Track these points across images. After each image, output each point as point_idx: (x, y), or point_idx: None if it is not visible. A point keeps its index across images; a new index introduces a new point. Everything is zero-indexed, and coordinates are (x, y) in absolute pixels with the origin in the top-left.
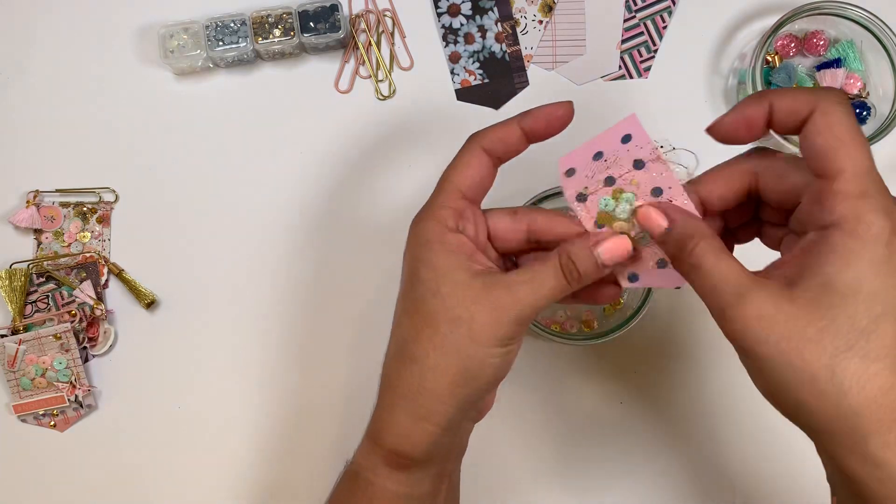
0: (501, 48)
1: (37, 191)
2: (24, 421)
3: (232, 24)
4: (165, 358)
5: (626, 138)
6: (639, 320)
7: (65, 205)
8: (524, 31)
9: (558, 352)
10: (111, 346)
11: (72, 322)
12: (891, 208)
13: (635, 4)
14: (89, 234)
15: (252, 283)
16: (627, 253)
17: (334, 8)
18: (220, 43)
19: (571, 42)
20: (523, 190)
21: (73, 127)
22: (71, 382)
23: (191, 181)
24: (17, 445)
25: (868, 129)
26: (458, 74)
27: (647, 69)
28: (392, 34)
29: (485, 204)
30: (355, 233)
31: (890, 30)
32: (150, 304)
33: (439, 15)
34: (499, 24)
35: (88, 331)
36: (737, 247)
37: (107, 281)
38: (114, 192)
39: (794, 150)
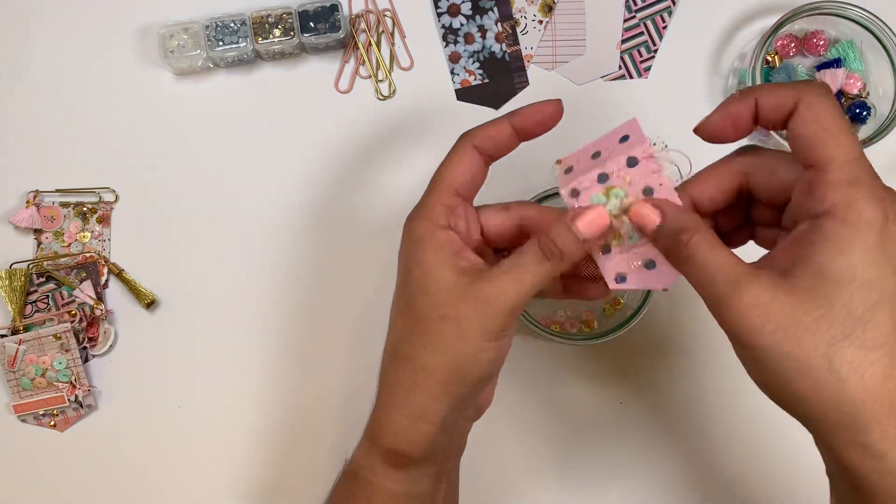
0: (501, 48)
1: (37, 191)
2: (24, 421)
3: (232, 24)
4: (165, 358)
5: (624, 139)
6: (639, 320)
7: (65, 205)
8: (524, 31)
9: (558, 352)
10: (111, 346)
11: (72, 322)
12: (882, 195)
13: (635, 4)
14: (89, 234)
15: (252, 283)
16: (605, 224)
17: (334, 8)
18: (220, 43)
19: (571, 42)
20: (522, 190)
21: (73, 127)
22: (71, 382)
23: (191, 181)
24: (17, 445)
25: (868, 129)
26: (458, 74)
27: (647, 69)
28: (392, 34)
29: (484, 203)
30: (355, 232)
31: (890, 30)
32: (150, 304)
33: (439, 15)
34: (499, 24)
35: (88, 331)
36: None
37: (107, 281)
38: (114, 192)
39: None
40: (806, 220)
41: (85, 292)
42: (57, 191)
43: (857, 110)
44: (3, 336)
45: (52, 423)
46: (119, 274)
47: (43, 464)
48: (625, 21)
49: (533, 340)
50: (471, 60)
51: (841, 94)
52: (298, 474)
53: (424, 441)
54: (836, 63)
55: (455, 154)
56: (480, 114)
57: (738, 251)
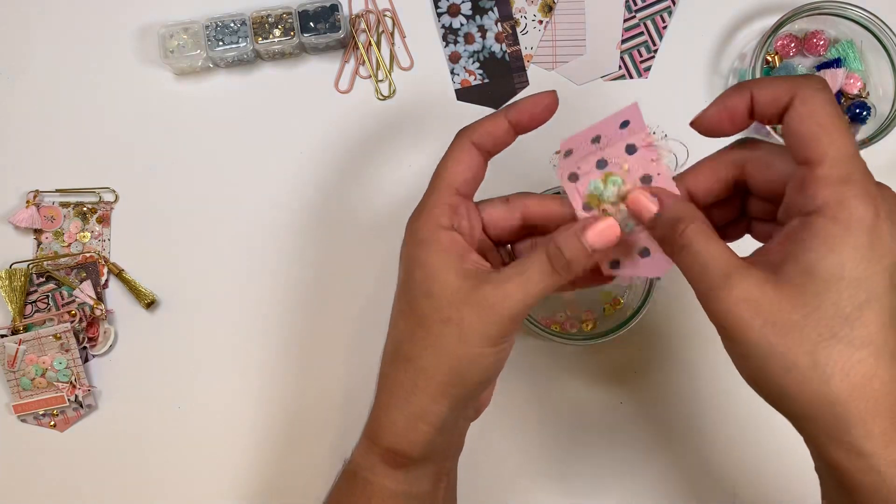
0: (501, 48)
1: (37, 191)
2: (24, 421)
3: (232, 24)
4: (165, 358)
5: (625, 124)
6: (639, 320)
7: (65, 205)
8: (524, 31)
9: (558, 352)
10: (111, 346)
11: (72, 322)
12: (874, 193)
13: (635, 4)
14: (89, 234)
15: (252, 282)
16: (616, 236)
17: (334, 8)
18: (220, 43)
19: (571, 42)
20: (523, 186)
21: (73, 127)
22: (71, 382)
23: (191, 181)
24: (17, 445)
25: (868, 129)
26: (458, 74)
27: (647, 69)
28: (392, 34)
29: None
30: (355, 232)
31: (890, 30)
32: (150, 304)
33: (439, 15)
34: (499, 24)
35: (88, 331)
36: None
37: (107, 281)
38: (114, 192)
39: None
40: (797, 216)
41: (85, 292)
42: (57, 191)
43: (857, 110)
44: (3, 336)
45: (52, 423)
46: (119, 274)
47: (43, 464)
48: (625, 21)
49: (533, 340)
50: (471, 60)
51: (841, 94)
52: (298, 474)
53: (424, 441)
54: (836, 63)
55: (454, 152)
56: (480, 114)
57: (733, 245)
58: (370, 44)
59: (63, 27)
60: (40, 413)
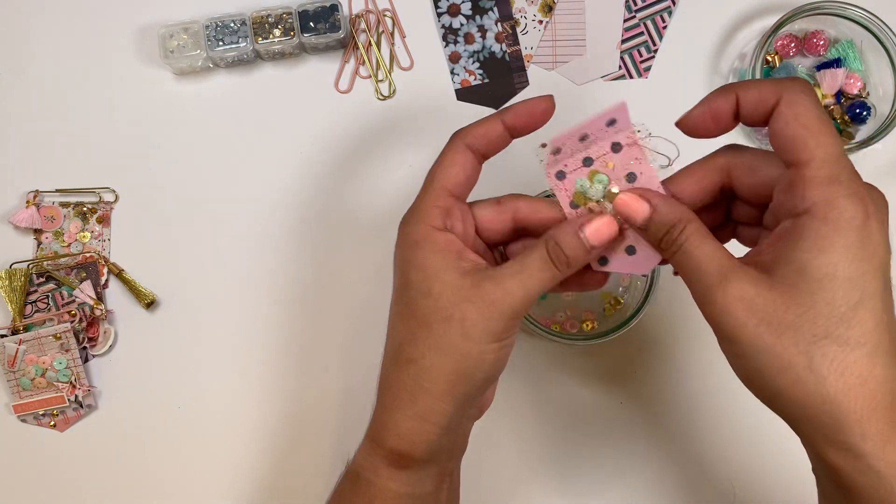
0: (501, 48)
1: (37, 191)
2: (24, 421)
3: (232, 24)
4: (165, 358)
5: (612, 123)
6: (639, 320)
7: (65, 205)
8: (524, 31)
9: (558, 352)
10: (111, 346)
11: (72, 322)
12: (862, 193)
13: (635, 4)
14: (89, 234)
15: (252, 283)
16: (613, 233)
17: (334, 8)
18: (220, 43)
19: (571, 42)
20: (517, 187)
21: (73, 127)
22: (71, 382)
23: (191, 181)
24: (17, 445)
25: (868, 129)
26: (458, 74)
27: (647, 69)
28: (392, 34)
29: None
30: (355, 232)
31: (890, 30)
32: (150, 304)
33: (439, 15)
34: (499, 24)
35: (88, 331)
36: None
37: (107, 281)
38: (114, 192)
39: None
40: (787, 218)
41: (85, 292)
42: (57, 191)
43: (857, 110)
44: (3, 336)
45: (52, 423)
46: (119, 274)
47: (43, 464)
48: (625, 21)
49: (533, 340)
50: (471, 60)
51: (841, 94)
52: (298, 474)
53: (428, 442)
54: (836, 63)
55: (447, 154)
56: (481, 114)
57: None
58: (370, 44)
59: (63, 27)
60: (40, 413)
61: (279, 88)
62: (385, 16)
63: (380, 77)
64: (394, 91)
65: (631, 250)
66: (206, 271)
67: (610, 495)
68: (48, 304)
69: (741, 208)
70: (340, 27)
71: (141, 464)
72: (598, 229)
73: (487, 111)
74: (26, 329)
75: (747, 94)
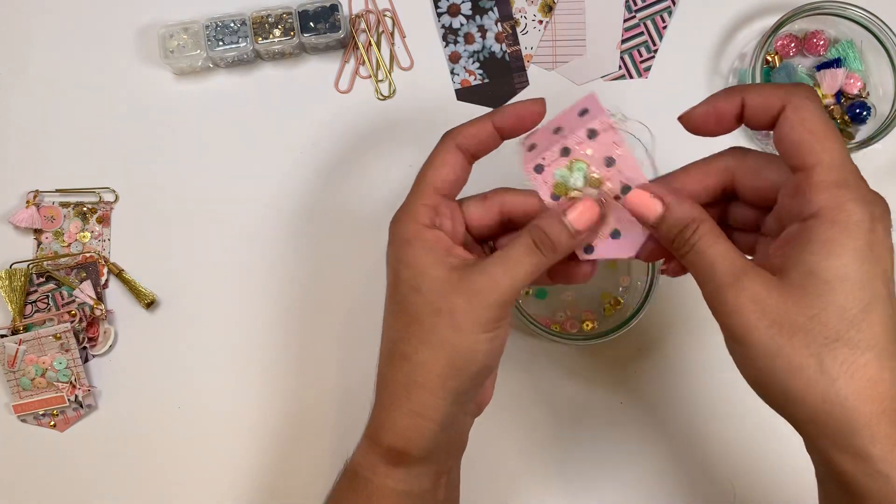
0: (501, 48)
1: (37, 191)
2: (24, 421)
3: (232, 24)
4: (165, 358)
5: (584, 112)
6: (639, 320)
7: (65, 205)
8: (524, 31)
9: (558, 352)
10: (111, 346)
11: (72, 322)
12: (869, 197)
13: (635, 4)
14: (89, 234)
15: (252, 282)
16: (596, 216)
17: (334, 8)
18: (220, 43)
19: (571, 42)
20: (507, 185)
21: (73, 127)
22: (71, 382)
23: (191, 181)
24: (17, 445)
25: (868, 129)
26: (458, 74)
27: (647, 69)
28: (392, 34)
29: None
30: (355, 233)
31: (890, 30)
32: (150, 304)
33: (439, 15)
34: (499, 24)
35: (88, 331)
36: None
37: (107, 281)
38: (114, 192)
39: None
40: (795, 221)
41: (85, 292)
42: (57, 191)
43: (857, 110)
44: (3, 336)
45: (52, 423)
46: (119, 274)
47: (43, 464)
48: (625, 21)
49: (533, 340)
50: (471, 60)
51: (841, 94)
52: (298, 474)
53: (425, 438)
54: (836, 63)
55: (437, 154)
56: (480, 114)
57: None
58: (370, 44)
59: (63, 27)
60: (40, 413)
61: (279, 88)
62: (385, 16)
63: (380, 77)
64: (394, 91)
65: (616, 234)
66: (205, 271)
67: (610, 495)
68: (48, 304)
69: (738, 214)
70: (340, 27)
71: (141, 464)
72: (582, 213)
73: (487, 111)
74: (26, 329)
75: (753, 98)
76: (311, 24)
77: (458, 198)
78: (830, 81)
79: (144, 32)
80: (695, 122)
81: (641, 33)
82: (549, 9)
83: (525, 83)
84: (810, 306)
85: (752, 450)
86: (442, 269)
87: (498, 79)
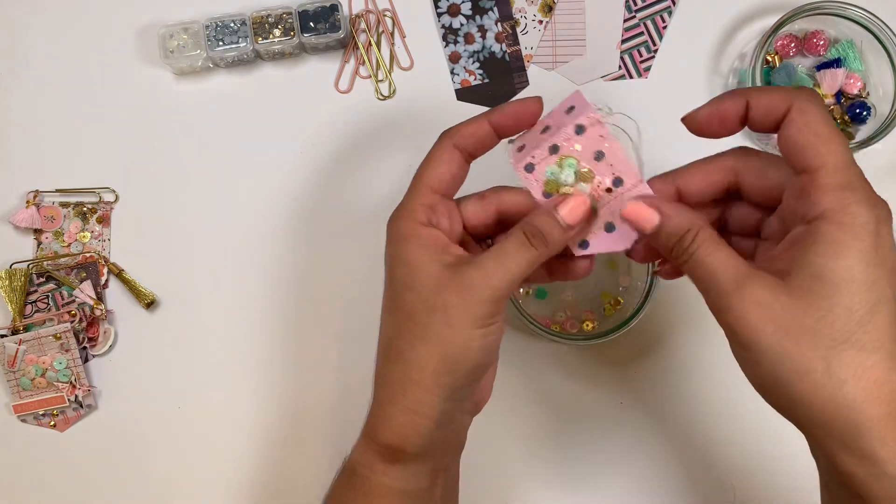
0: (501, 48)
1: (37, 191)
2: (24, 421)
3: (232, 24)
4: (165, 358)
5: (570, 109)
6: (639, 320)
7: (65, 205)
8: (524, 31)
9: (558, 352)
10: (111, 346)
11: (72, 322)
12: (874, 199)
13: (635, 4)
14: (89, 234)
15: (252, 282)
16: (587, 210)
17: (334, 8)
18: (220, 43)
19: (571, 42)
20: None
21: (73, 127)
22: (71, 382)
23: (191, 181)
24: (17, 445)
25: (868, 129)
26: (458, 74)
27: (647, 69)
28: (392, 34)
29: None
30: (355, 233)
31: (890, 30)
32: (150, 304)
33: (439, 15)
34: (499, 24)
35: (88, 331)
36: None
37: (107, 281)
38: (114, 192)
39: None
40: (799, 224)
41: (85, 292)
42: (57, 191)
43: (857, 110)
44: (3, 336)
45: (52, 423)
46: (119, 274)
47: (43, 464)
48: (625, 21)
49: (533, 340)
50: (471, 60)
51: (841, 94)
52: (298, 474)
53: (421, 436)
54: (836, 63)
55: (434, 153)
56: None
57: None
58: (370, 44)
59: (63, 27)
60: (40, 413)
61: (279, 88)
62: (385, 16)
63: (380, 77)
64: (394, 91)
65: (610, 227)
66: (205, 271)
67: (610, 495)
68: (48, 304)
69: (738, 217)
70: (340, 27)
71: (141, 464)
72: (573, 208)
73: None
74: (26, 329)
75: (758, 101)
76: (311, 24)
77: (456, 197)
78: (830, 81)
79: (144, 32)
80: (698, 124)
81: (641, 33)
82: (549, 9)
83: (525, 83)
84: (817, 308)
85: (752, 450)
86: (436, 266)
87: (498, 79)
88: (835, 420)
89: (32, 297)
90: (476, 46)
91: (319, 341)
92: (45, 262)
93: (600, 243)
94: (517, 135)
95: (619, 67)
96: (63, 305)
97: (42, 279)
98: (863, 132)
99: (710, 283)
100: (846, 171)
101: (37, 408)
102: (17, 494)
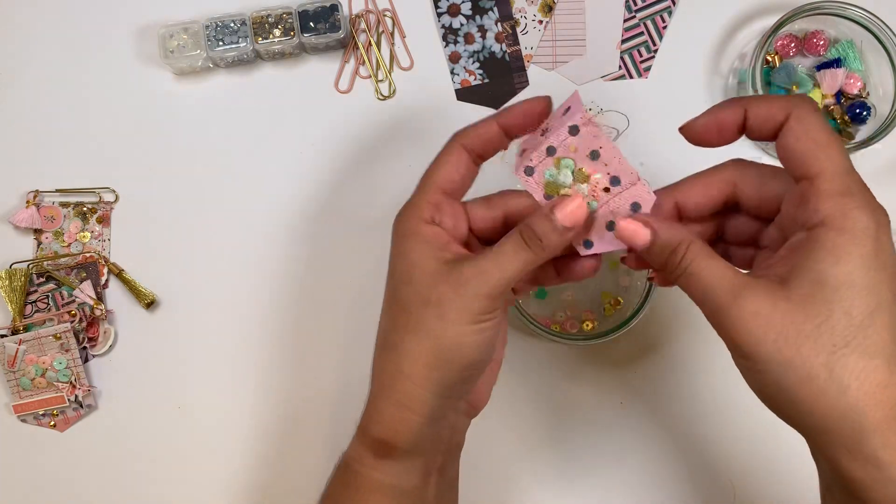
0: (501, 48)
1: (37, 191)
2: (24, 421)
3: (232, 24)
4: (165, 358)
5: (567, 111)
6: (639, 320)
7: (65, 205)
8: (524, 31)
9: (558, 352)
10: (111, 346)
11: (72, 322)
12: (874, 205)
13: (635, 4)
14: (89, 234)
15: (252, 283)
16: (583, 213)
17: (334, 8)
18: (220, 43)
19: (571, 42)
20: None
21: (73, 127)
22: (71, 382)
23: (191, 181)
24: (17, 445)
25: (868, 129)
26: (458, 74)
27: (647, 69)
28: (392, 34)
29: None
30: (355, 233)
31: (890, 30)
32: (150, 304)
33: (439, 15)
34: (499, 24)
35: (88, 331)
36: None
37: (107, 281)
38: (114, 192)
39: None
40: (799, 231)
41: (85, 292)
42: (57, 191)
43: (857, 110)
44: (3, 336)
45: (52, 423)
46: (119, 274)
47: (43, 464)
48: (625, 21)
49: (533, 340)
50: (471, 60)
51: (841, 94)
52: (298, 474)
53: (411, 431)
54: (836, 63)
55: (443, 154)
56: (481, 114)
57: None
58: (370, 44)
59: (63, 27)
60: (40, 413)
61: (279, 88)
62: (385, 16)
63: (380, 77)
64: (394, 91)
65: (611, 226)
66: (205, 271)
67: (609, 495)
68: (48, 304)
69: (736, 228)
70: (340, 27)
71: (141, 463)
72: (569, 211)
73: (487, 111)
74: (26, 329)
75: (756, 109)
76: (311, 24)
77: (465, 200)
78: (830, 81)
79: (144, 32)
80: (696, 134)
81: (641, 33)
82: (549, 9)
83: (525, 83)
84: (818, 314)
85: (752, 450)
86: (435, 261)
87: (498, 79)
88: (838, 425)
89: (32, 297)
90: (476, 46)
91: (319, 341)
92: (45, 262)
93: (604, 242)
94: (519, 140)
95: (619, 67)
96: (63, 305)
97: (42, 279)
98: (863, 132)
99: (706, 297)
100: (845, 177)
101: (37, 408)
102: (17, 494)
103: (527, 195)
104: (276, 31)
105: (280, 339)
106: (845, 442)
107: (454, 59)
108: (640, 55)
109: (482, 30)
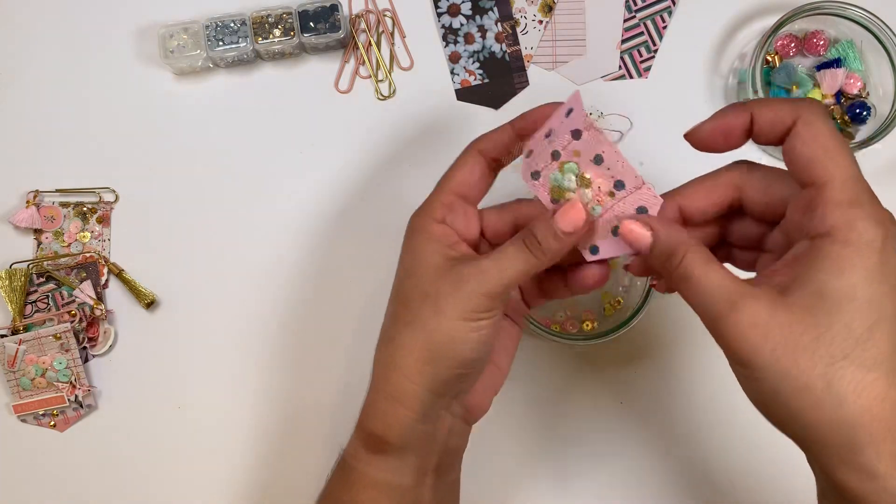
0: (501, 48)
1: (37, 191)
2: (24, 421)
3: (232, 24)
4: (165, 358)
5: (569, 113)
6: (639, 320)
7: (65, 205)
8: (524, 31)
9: (558, 352)
10: (111, 346)
11: (72, 322)
12: (881, 216)
13: (635, 4)
14: (89, 234)
15: (252, 282)
16: (583, 218)
17: (334, 8)
18: (220, 43)
19: (571, 42)
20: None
21: (73, 127)
22: (71, 382)
23: (191, 181)
24: (17, 445)
25: (868, 129)
26: (458, 74)
27: (647, 69)
28: (392, 34)
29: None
30: (355, 233)
31: (890, 30)
32: (150, 304)
33: (439, 15)
34: (499, 24)
35: (88, 331)
36: None
37: (107, 281)
38: (114, 192)
39: None
40: (803, 238)
41: (85, 292)
42: (57, 191)
43: (857, 110)
44: (3, 336)
45: (52, 423)
46: (119, 274)
47: (43, 464)
48: (625, 21)
49: (533, 340)
50: (471, 60)
51: (841, 94)
52: (298, 474)
53: (402, 426)
54: (836, 63)
55: (460, 158)
56: (480, 114)
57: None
58: (370, 44)
59: (63, 27)
60: (40, 413)
61: (279, 88)
62: (385, 16)
63: (380, 77)
64: (394, 91)
65: (616, 231)
66: (206, 271)
67: (609, 495)
68: (48, 304)
69: (740, 230)
70: (340, 27)
71: (141, 463)
72: (569, 218)
73: (487, 111)
74: (26, 329)
75: (763, 114)
76: (311, 24)
77: (481, 208)
78: (830, 81)
79: (144, 32)
80: (702, 140)
81: (641, 33)
82: (549, 9)
83: (525, 83)
84: (817, 326)
85: (753, 450)
86: (439, 258)
87: (498, 79)
88: (834, 436)
89: (32, 297)
90: (476, 46)
91: (319, 341)
92: (45, 262)
93: (610, 247)
94: (526, 142)
95: (619, 67)
96: (63, 305)
97: (42, 279)
98: (863, 132)
99: (705, 304)
100: (854, 185)
101: (37, 408)
102: (17, 494)
103: (539, 204)
104: (276, 31)
105: (280, 339)
106: (840, 452)
107: (454, 59)
108: (640, 55)
109: (482, 30)
